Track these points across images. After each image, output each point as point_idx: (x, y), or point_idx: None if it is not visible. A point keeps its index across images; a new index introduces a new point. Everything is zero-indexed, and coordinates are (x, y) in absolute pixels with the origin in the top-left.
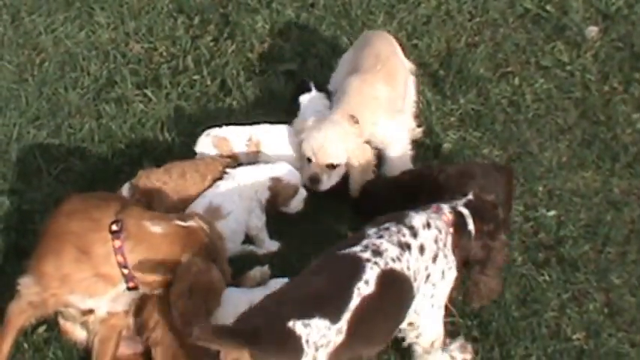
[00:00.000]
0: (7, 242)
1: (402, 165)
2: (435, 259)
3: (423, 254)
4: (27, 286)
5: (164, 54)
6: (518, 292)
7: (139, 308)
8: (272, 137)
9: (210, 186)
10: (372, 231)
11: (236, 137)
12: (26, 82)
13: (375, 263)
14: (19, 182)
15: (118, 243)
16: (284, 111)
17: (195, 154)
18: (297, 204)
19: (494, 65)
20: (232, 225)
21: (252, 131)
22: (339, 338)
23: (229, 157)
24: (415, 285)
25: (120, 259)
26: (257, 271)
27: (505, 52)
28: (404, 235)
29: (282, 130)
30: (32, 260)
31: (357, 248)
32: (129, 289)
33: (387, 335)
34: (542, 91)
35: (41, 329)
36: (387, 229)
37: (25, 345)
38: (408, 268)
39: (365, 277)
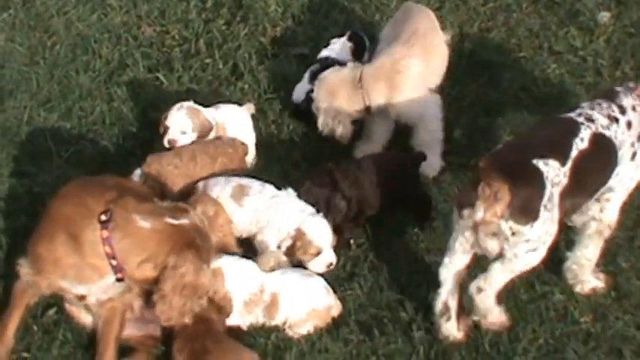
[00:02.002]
0: (17, 225)
1: (432, 141)
2: None
3: (630, 129)
4: (24, 266)
5: (176, 37)
6: (526, 275)
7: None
8: (236, 119)
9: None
10: (585, 104)
11: (206, 112)
12: (37, 65)
13: (588, 126)
14: (30, 165)
15: (105, 233)
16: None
17: None
18: (317, 265)
19: (507, 50)
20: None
21: (215, 115)
22: (564, 180)
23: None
24: (620, 153)
25: (107, 249)
26: (271, 255)
27: (518, 37)
28: (613, 111)
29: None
30: (29, 242)
31: (572, 114)
32: (119, 280)
33: (594, 188)
34: (555, 77)
35: (51, 311)
36: (599, 104)
37: (35, 327)
38: (615, 137)
39: (581, 135)
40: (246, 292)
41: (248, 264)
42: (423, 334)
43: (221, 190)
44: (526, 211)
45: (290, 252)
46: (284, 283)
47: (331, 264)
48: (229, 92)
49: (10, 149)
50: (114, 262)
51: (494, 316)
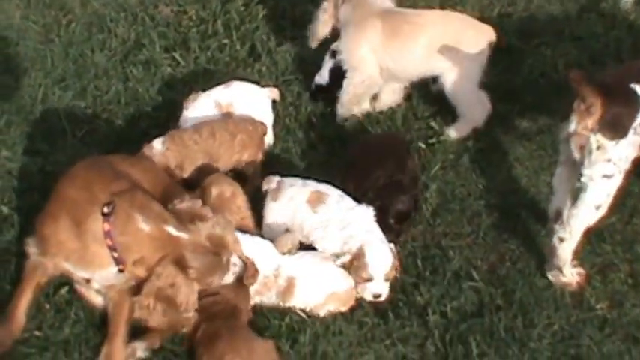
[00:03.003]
0: (30, 203)
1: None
2: None
3: None
4: (31, 246)
5: (193, 18)
6: (543, 261)
7: None
8: (247, 98)
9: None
10: None
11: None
12: (52, 43)
13: None
14: (44, 143)
15: (107, 226)
16: (313, 77)
17: None
18: (365, 292)
19: (528, 36)
20: None
21: (219, 97)
22: None
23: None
24: None
25: (109, 242)
26: (287, 238)
27: (539, 22)
28: None
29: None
30: (37, 221)
31: None
32: (121, 270)
33: None
34: (575, 63)
35: (63, 290)
36: None
37: (47, 305)
38: None
39: None
40: (260, 274)
41: (265, 244)
42: (438, 317)
43: (296, 192)
44: (615, 127)
45: (345, 266)
46: (300, 267)
47: (379, 295)
48: (246, 74)
49: (24, 127)
50: (115, 255)
51: (568, 272)
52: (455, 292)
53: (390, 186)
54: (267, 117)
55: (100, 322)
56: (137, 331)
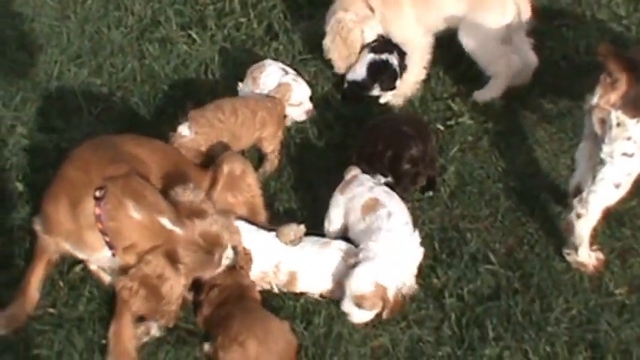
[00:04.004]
0: (45, 180)
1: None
2: None
3: None
4: (37, 224)
5: None
6: (561, 245)
7: None
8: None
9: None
10: None
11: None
12: (68, 20)
13: None
14: (59, 120)
15: (97, 210)
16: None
17: None
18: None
19: (549, 18)
20: None
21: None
22: None
23: None
24: None
25: (100, 226)
26: (291, 229)
27: (560, 4)
28: None
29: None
30: (43, 199)
31: None
32: (115, 255)
33: None
34: (597, 45)
35: (77, 268)
36: None
37: (61, 283)
38: None
39: None
40: (258, 269)
41: (267, 237)
42: (454, 300)
43: (359, 193)
44: (638, 105)
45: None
46: (301, 259)
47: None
48: (263, 52)
49: (39, 104)
50: (107, 239)
51: (584, 252)
52: (472, 275)
53: (401, 135)
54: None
55: (113, 301)
56: None
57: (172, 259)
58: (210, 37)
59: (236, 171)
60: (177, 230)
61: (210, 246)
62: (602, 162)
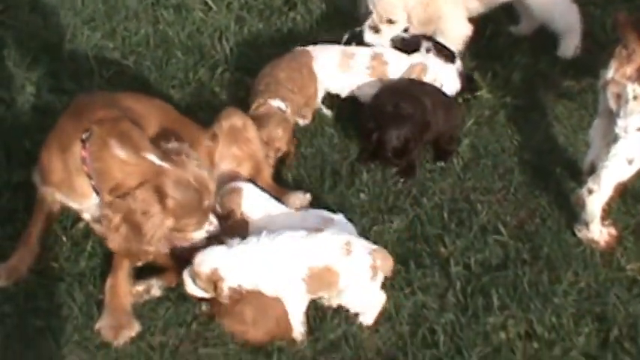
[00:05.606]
0: None
1: None
2: None
3: None
4: (34, 177)
5: None
6: (574, 219)
7: None
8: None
9: None
10: None
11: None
12: None
13: None
14: (71, 82)
15: (83, 152)
16: (348, 28)
17: None
18: None
19: None
20: None
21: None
22: None
23: None
24: None
25: (85, 169)
26: (297, 197)
27: None
28: None
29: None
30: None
31: None
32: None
33: None
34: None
35: (81, 224)
36: None
37: (64, 238)
38: None
39: None
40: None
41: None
42: (460, 269)
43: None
44: None
45: None
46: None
47: None
48: (280, 22)
49: (50, 65)
50: (92, 183)
51: (596, 229)
52: (480, 245)
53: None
54: None
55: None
56: (154, 269)
57: (161, 194)
58: (226, 5)
59: (237, 124)
60: (167, 165)
61: (201, 187)
62: (615, 138)
